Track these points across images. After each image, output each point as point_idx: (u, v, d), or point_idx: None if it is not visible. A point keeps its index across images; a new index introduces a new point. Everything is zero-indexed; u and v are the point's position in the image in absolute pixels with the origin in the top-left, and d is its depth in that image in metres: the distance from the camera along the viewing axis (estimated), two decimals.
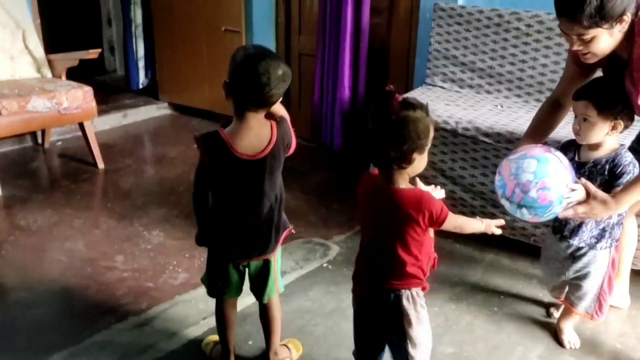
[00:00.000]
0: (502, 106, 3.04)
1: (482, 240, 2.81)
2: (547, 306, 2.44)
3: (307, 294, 2.51)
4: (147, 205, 3.32)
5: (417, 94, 3.20)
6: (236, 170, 1.77)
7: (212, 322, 2.30)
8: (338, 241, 2.96)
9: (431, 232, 1.66)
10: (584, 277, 2.10)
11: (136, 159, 4.01)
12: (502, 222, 1.78)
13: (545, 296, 2.51)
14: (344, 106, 3.88)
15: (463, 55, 3.29)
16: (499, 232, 1.78)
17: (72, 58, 3.89)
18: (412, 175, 1.63)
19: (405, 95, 1.61)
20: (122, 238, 2.96)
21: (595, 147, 2.00)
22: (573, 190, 1.85)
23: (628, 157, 1.96)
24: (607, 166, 1.96)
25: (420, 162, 1.59)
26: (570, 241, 2.07)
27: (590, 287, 2.11)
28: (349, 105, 3.89)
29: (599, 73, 2.08)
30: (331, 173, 3.84)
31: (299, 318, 2.35)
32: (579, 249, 2.08)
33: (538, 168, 1.83)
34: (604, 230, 2.04)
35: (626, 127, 1.98)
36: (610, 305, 2.35)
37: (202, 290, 2.49)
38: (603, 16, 1.73)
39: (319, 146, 4.18)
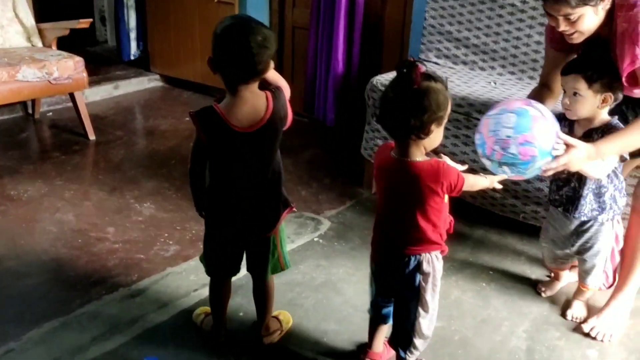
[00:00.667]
0: (495, 83, 3.03)
1: (472, 217, 2.85)
2: (535, 283, 2.46)
3: (297, 267, 2.52)
4: (138, 177, 3.31)
5: None
6: (233, 144, 1.75)
7: (203, 293, 2.32)
8: (329, 216, 2.97)
9: (446, 197, 1.69)
10: (588, 250, 2.13)
11: (127, 131, 3.99)
12: (505, 176, 1.82)
13: (534, 272, 2.54)
14: (337, 81, 3.86)
15: (457, 31, 3.27)
16: (499, 186, 1.82)
17: (62, 27, 3.83)
18: (429, 149, 1.64)
19: (427, 68, 1.61)
20: (113, 210, 2.95)
21: (588, 121, 2.01)
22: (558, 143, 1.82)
23: (619, 127, 1.97)
24: (598, 137, 1.96)
25: (437, 135, 1.60)
26: (573, 215, 2.09)
27: (596, 261, 2.14)
28: (342, 80, 3.87)
29: None
30: (323, 148, 3.83)
31: (289, 291, 2.37)
32: (583, 223, 2.10)
33: (517, 122, 1.75)
34: (604, 201, 2.05)
35: (616, 99, 1.98)
36: None
37: (193, 262, 2.52)
38: None
39: (311, 121, 4.17)
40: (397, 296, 1.80)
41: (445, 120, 1.60)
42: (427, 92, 1.53)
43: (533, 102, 1.87)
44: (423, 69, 1.54)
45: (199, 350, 2.05)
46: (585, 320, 2.22)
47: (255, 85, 1.75)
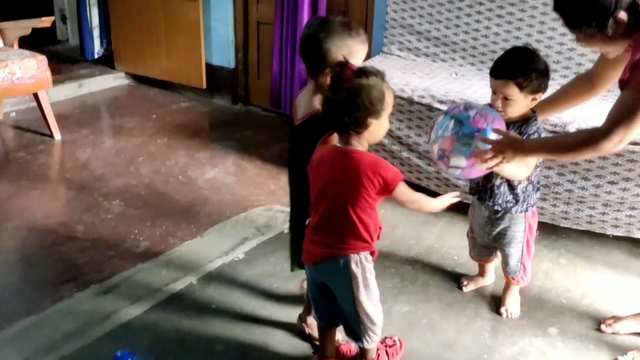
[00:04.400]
0: (456, 74, 3.11)
1: None
2: (457, 278, 2.46)
3: (268, 259, 2.57)
4: (106, 175, 3.30)
5: (374, 63, 3.24)
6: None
7: (174, 288, 2.35)
8: None
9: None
10: (503, 240, 2.18)
11: (93, 130, 3.97)
12: (456, 193, 1.85)
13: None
14: (302, 76, 3.90)
15: (419, 24, 3.34)
16: (456, 199, 1.84)
17: (24, 27, 3.79)
18: (372, 141, 1.68)
19: (363, 64, 1.66)
20: (81, 208, 2.95)
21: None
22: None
23: (534, 127, 1.98)
24: (514, 131, 1.98)
25: (378, 127, 1.64)
26: (488, 203, 2.13)
27: (511, 251, 2.19)
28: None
29: None
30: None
31: (261, 282, 2.41)
32: (496, 212, 2.14)
33: (491, 110, 1.94)
34: (517, 194, 2.08)
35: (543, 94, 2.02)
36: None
37: (164, 257, 2.55)
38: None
39: (278, 115, 4.20)
40: (335, 298, 1.81)
41: (386, 113, 1.64)
42: (358, 90, 1.57)
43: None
44: (355, 67, 1.60)
45: (172, 344, 2.07)
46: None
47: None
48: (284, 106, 4.10)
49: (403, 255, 2.58)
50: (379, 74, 1.63)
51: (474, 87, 2.89)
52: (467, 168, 1.92)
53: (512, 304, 2.29)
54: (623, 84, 1.71)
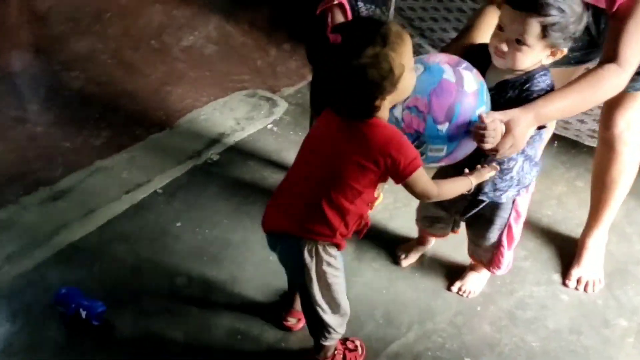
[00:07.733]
0: None
1: None
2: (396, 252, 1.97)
3: (246, 162, 2.25)
4: (67, 35, 2.83)
5: None
6: None
7: (135, 197, 2.07)
8: (287, 95, 2.62)
9: (379, 194, 1.34)
10: (477, 223, 1.70)
11: None
12: (495, 169, 1.44)
13: None
14: None
15: None
16: (494, 171, 1.44)
17: None
18: (394, 103, 1.26)
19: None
20: (36, 80, 2.56)
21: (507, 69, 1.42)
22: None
23: (542, 83, 1.41)
24: (514, 93, 1.41)
25: (396, 95, 1.23)
26: (468, 196, 1.54)
27: (485, 234, 1.70)
28: None
29: None
30: (284, 3, 3.31)
31: (237, 193, 2.12)
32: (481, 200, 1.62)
33: (420, 79, 1.29)
34: (511, 178, 1.55)
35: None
36: None
37: (126, 154, 2.27)
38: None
39: None
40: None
41: (402, 81, 1.20)
42: (351, 74, 1.17)
43: (465, 63, 1.35)
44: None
45: (126, 274, 1.83)
46: None
47: None
48: None
49: None
50: (380, 36, 1.16)
51: None
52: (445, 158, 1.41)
53: (471, 282, 1.87)
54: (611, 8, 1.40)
